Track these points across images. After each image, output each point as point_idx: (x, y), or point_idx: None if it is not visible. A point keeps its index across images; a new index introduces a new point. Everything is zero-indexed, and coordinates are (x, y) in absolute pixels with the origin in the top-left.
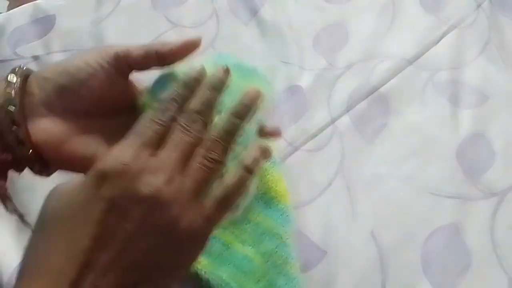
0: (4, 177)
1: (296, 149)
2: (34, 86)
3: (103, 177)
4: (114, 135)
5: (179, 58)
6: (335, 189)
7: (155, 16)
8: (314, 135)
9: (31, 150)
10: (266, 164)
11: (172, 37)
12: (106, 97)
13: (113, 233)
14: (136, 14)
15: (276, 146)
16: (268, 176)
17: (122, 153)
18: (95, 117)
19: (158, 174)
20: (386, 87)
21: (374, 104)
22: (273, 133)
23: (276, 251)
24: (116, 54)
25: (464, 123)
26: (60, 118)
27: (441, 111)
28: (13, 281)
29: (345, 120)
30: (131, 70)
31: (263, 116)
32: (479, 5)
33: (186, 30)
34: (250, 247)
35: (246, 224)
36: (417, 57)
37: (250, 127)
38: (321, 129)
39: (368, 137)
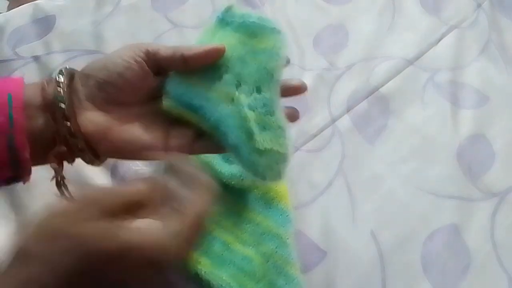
0: (61, 167)
1: (296, 149)
2: (78, 84)
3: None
4: (149, 119)
5: (202, 63)
6: (336, 189)
7: (155, 16)
8: (314, 135)
9: (82, 141)
10: None
11: (172, 38)
12: (140, 87)
13: None
14: (136, 14)
15: None
16: None
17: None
18: (133, 105)
19: None
20: (387, 88)
21: (374, 104)
22: (293, 116)
23: (277, 251)
24: (147, 50)
25: (464, 123)
26: (103, 110)
27: (441, 111)
28: None
29: (345, 120)
30: (159, 68)
31: (279, 74)
32: (479, 6)
33: (186, 30)
34: (251, 247)
35: (246, 224)
36: (417, 57)
37: (272, 93)
38: (322, 129)
39: (368, 137)
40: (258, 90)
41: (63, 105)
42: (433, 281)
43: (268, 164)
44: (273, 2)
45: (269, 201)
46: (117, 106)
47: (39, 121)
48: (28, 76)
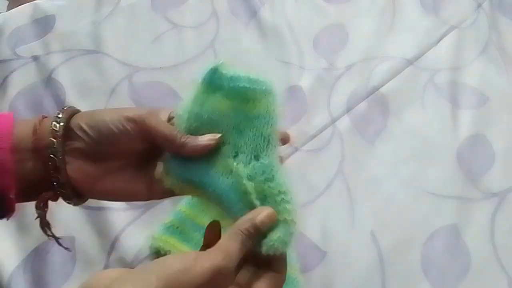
0: (45, 207)
1: (296, 149)
2: (73, 136)
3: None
4: (135, 168)
5: (198, 154)
6: (335, 190)
7: (155, 17)
8: (314, 136)
9: (70, 190)
10: None
11: (172, 38)
12: (132, 148)
13: None
14: (135, 14)
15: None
16: None
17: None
18: (123, 158)
19: None
20: (386, 88)
21: (374, 104)
22: (284, 140)
23: None
24: (143, 121)
25: (464, 124)
26: (92, 161)
27: (441, 111)
28: (13, 281)
29: (345, 120)
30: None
31: (276, 137)
32: (479, 6)
33: (186, 30)
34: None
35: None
36: (417, 57)
37: (270, 159)
38: (321, 130)
39: (368, 138)
40: (256, 158)
41: (54, 155)
42: (433, 282)
43: (273, 233)
44: (272, 2)
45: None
46: (106, 159)
47: (28, 164)
48: (28, 75)
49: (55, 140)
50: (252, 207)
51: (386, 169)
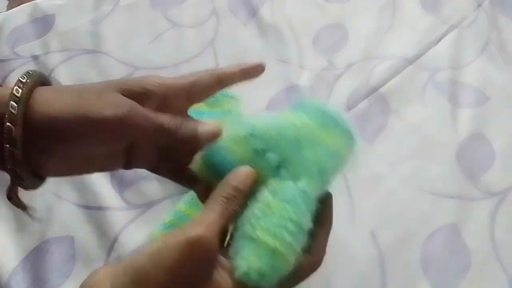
0: (17, 196)
1: None
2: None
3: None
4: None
5: (237, 81)
6: (335, 188)
7: (154, 16)
8: None
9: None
10: None
11: (171, 36)
12: (113, 144)
13: None
14: (135, 13)
15: None
16: None
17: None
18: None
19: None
20: (386, 87)
21: (374, 104)
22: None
23: None
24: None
25: (464, 123)
26: (61, 158)
27: (441, 111)
28: (12, 281)
29: None
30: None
31: (330, 181)
32: (479, 5)
33: (185, 29)
34: None
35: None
36: (417, 57)
37: (308, 187)
38: None
39: (368, 137)
40: (295, 180)
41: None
42: (433, 281)
43: (250, 256)
44: (272, 1)
45: None
46: (76, 157)
47: None
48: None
49: (15, 104)
50: (250, 216)
51: (386, 167)
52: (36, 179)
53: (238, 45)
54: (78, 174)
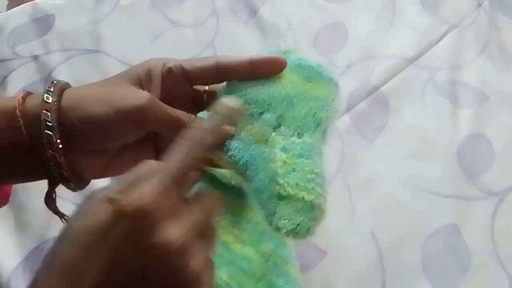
0: (54, 201)
1: None
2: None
3: (120, 216)
4: (138, 144)
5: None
6: (335, 188)
7: (154, 16)
8: None
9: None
10: None
11: (171, 36)
12: (135, 136)
13: (116, 277)
14: (135, 13)
15: None
16: None
17: (149, 190)
18: (122, 143)
19: (178, 225)
20: (386, 87)
21: (374, 103)
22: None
23: (276, 251)
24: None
25: (464, 123)
26: (93, 152)
27: (441, 111)
28: (12, 281)
29: (345, 119)
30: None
31: (327, 127)
32: (479, 5)
33: (185, 29)
34: (250, 247)
35: (245, 224)
36: (417, 56)
37: (312, 139)
38: None
39: (368, 137)
40: (299, 135)
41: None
42: (433, 281)
43: (289, 213)
44: (272, 1)
45: None
46: (105, 150)
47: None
48: (28, 75)
49: (49, 113)
50: (273, 176)
51: (386, 167)
52: (81, 180)
53: (238, 45)
54: (116, 173)
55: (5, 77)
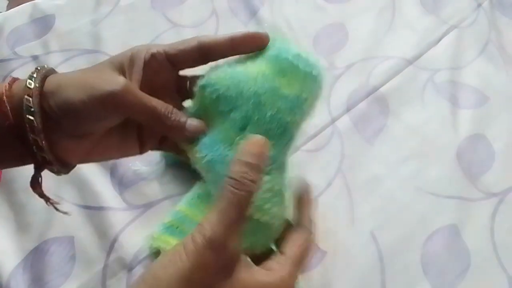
0: (40, 186)
1: (296, 149)
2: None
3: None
4: (122, 128)
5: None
6: (335, 189)
7: (154, 16)
8: (314, 136)
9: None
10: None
11: (171, 37)
12: (114, 122)
13: None
14: (135, 14)
15: None
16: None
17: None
18: (104, 130)
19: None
20: (386, 87)
21: (374, 104)
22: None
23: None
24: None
25: (464, 123)
26: (75, 137)
27: (441, 111)
28: (12, 281)
29: (345, 120)
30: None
31: (296, 131)
32: (479, 5)
33: (186, 30)
34: None
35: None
36: (417, 57)
37: (274, 150)
38: (321, 130)
39: (368, 138)
40: None
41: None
42: (433, 282)
43: (244, 232)
44: (272, 1)
45: None
46: (87, 135)
47: None
48: (27, 75)
49: (30, 99)
50: None
51: (386, 168)
52: (64, 164)
53: None
54: (100, 158)
55: (5, 77)
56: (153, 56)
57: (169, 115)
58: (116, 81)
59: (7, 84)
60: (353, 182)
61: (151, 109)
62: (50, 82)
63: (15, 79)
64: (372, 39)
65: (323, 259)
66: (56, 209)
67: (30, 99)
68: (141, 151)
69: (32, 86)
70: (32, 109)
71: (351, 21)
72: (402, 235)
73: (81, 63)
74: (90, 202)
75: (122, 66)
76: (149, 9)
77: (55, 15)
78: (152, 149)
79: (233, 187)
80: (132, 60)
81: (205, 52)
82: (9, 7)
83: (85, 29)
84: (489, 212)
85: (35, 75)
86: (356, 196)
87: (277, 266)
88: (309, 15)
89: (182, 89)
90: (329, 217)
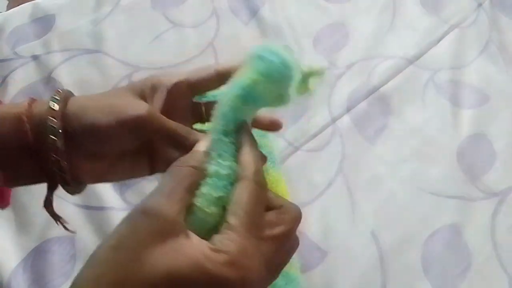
0: (51, 204)
1: (296, 149)
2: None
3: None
4: (135, 152)
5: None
6: (336, 189)
7: (155, 16)
8: (315, 135)
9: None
10: (266, 165)
11: (172, 37)
12: (135, 144)
13: None
14: (135, 13)
15: (277, 146)
16: (268, 176)
17: (246, 261)
18: (122, 152)
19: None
20: (387, 87)
21: (374, 104)
22: (273, 126)
23: None
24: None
25: (465, 123)
26: (94, 158)
27: (442, 111)
28: (13, 281)
29: (345, 120)
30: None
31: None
32: (479, 5)
33: (186, 30)
34: None
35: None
36: (417, 57)
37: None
38: (322, 129)
39: (368, 137)
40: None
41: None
42: (433, 282)
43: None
44: (273, 1)
45: None
46: (106, 156)
47: (12, 149)
48: (28, 75)
49: (55, 120)
50: None
51: (387, 168)
52: (80, 184)
53: (238, 45)
54: (113, 178)
55: (5, 77)
56: (175, 84)
57: (188, 136)
58: (141, 106)
59: (26, 104)
60: (353, 182)
61: (173, 131)
62: (73, 104)
63: (33, 100)
64: (372, 39)
65: (324, 259)
66: (66, 228)
67: (55, 120)
68: (151, 172)
69: (56, 108)
70: (56, 130)
71: (352, 21)
72: (403, 234)
73: (81, 62)
74: (91, 202)
75: (143, 93)
76: (149, 9)
77: (56, 15)
78: (161, 171)
79: (176, 164)
80: (154, 88)
81: (222, 78)
82: (9, 7)
83: (85, 29)
84: (490, 211)
85: (57, 97)
86: (356, 196)
87: (227, 238)
88: (310, 15)
89: (195, 112)
90: (330, 217)
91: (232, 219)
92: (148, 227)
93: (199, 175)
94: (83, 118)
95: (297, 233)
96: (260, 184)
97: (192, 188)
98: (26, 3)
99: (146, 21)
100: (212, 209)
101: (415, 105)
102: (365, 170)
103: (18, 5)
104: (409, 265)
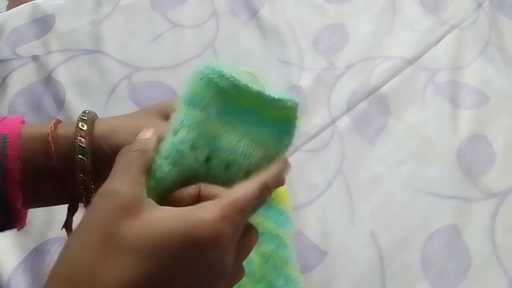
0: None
1: (296, 149)
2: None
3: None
4: None
5: None
6: (335, 189)
7: (155, 16)
8: (314, 136)
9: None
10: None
11: (171, 37)
12: None
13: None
14: (135, 14)
15: None
16: None
17: (223, 226)
18: None
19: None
20: (386, 88)
21: (374, 104)
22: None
23: (276, 252)
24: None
25: (464, 124)
26: None
27: (441, 111)
28: (12, 281)
29: (345, 120)
30: None
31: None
32: (479, 6)
33: (186, 30)
34: None
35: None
36: (417, 57)
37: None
38: (321, 130)
39: (368, 138)
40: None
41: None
42: (433, 282)
43: None
44: (272, 2)
45: (268, 202)
46: None
47: (36, 171)
48: (28, 75)
49: (84, 140)
50: None
51: (386, 169)
52: None
53: (238, 46)
54: None
55: (5, 77)
56: None
57: None
58: (166, 127)
59: (52, 125)
60: (353, 182)
61: None
62: (100, 125)
63: (59, 120)
64: (372, 40)
65: (323, 260)
66: None
67: (84, 140)
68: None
69: (85, 128)
70: (85, 150)
71: (352, 22)
72: (402, 235)
73: (81, 63)
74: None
75: (167, 113)
76: (149, 9)
77: (55, 15)
78: None
79: (122, 151)
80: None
81: None
82: (9, 7)
83: (85, 29)
84: (490, 212)
85: (85, 118)
86: (356, 196)
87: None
88: (309, 16)
89: None
90: (329, 218)
91: (221, 194)
92: (111, 205)
93: (146, 157)
94: (111, 139)
95: (297, 233)
96: (263, 193)
97: (143, 169)
98: (26, 3)
99: (145, 21)
100: (168, 168)
101: (415, 106)
102: (365, 170)
103: (18, 5)
104: (408, 266)
